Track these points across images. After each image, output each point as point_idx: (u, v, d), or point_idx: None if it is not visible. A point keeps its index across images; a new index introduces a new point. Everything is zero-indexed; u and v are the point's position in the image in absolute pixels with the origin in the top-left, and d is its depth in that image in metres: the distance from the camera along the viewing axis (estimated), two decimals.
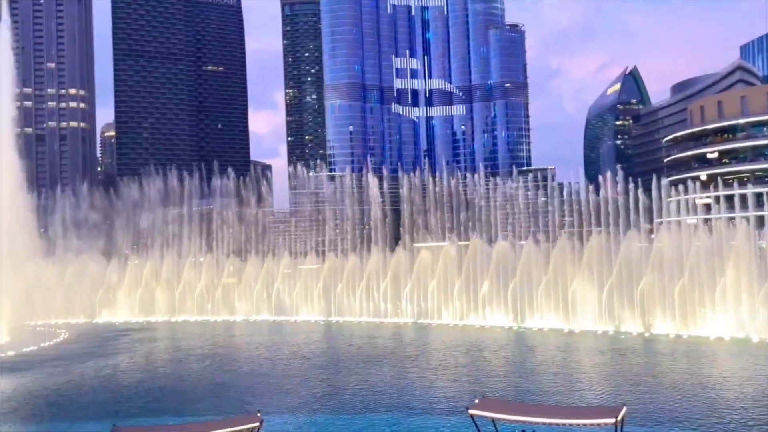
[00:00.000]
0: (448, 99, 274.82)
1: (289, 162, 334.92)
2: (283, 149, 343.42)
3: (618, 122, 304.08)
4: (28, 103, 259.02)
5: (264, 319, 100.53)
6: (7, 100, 77.84)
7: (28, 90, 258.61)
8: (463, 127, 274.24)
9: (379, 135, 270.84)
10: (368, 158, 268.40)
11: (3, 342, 70.23)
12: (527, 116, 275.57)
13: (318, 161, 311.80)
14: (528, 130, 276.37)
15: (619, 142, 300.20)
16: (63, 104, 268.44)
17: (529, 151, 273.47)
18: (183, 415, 40.08)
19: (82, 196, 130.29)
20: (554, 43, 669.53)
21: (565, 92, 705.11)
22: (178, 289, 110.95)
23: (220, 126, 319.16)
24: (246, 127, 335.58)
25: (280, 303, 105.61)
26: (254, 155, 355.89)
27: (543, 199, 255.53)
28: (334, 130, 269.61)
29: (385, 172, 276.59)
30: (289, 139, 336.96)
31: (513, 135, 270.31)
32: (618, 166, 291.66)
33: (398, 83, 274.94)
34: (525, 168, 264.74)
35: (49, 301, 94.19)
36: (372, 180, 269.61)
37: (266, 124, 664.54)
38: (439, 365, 56.38)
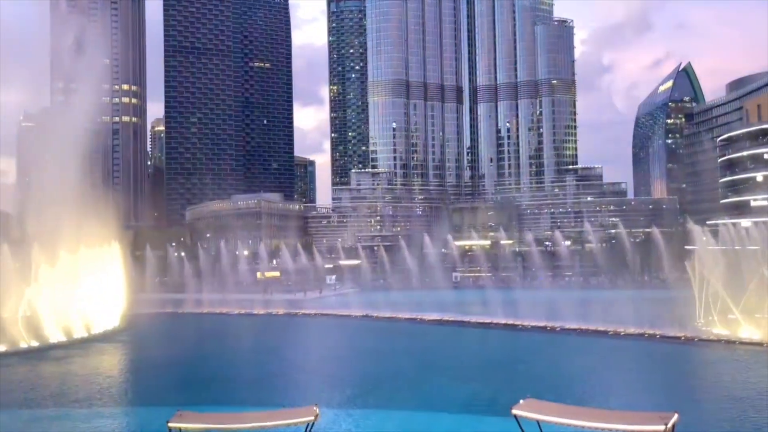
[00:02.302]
0: (494, 95, 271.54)
1: (332, 158, 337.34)
2: (328, 145, 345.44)
3: (669, 120, 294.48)
4: (82, 98, 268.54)
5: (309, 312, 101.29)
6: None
7: (83, 85, 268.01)
8: (508, 124, 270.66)
9: (422, 132, 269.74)
10: (411, 155, 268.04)
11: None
12: (574, 113, 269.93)
13: (360, 158, 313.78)
14: (575, 127, 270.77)
15: (670, 141, 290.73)
16: (116, 99, 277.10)
17: (575, 149, 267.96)
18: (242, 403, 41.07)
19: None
20: (607, 37, 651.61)
21: (615, 89, 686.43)
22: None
23: (265, 122, 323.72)
24: (291, 122, 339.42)
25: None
26: (298, 151, 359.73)
27: (589, 198, 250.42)
28: (376, 126, 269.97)
29: (428, 170, 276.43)
30: (333, 135, 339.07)
31: (559, 133, 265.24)
32: (669, 166, 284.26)
33: (442, 79, 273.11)
34: (570, 167, 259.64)
35: None
36: (415, 177, 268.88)
37: (311, 120, 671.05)
38: None
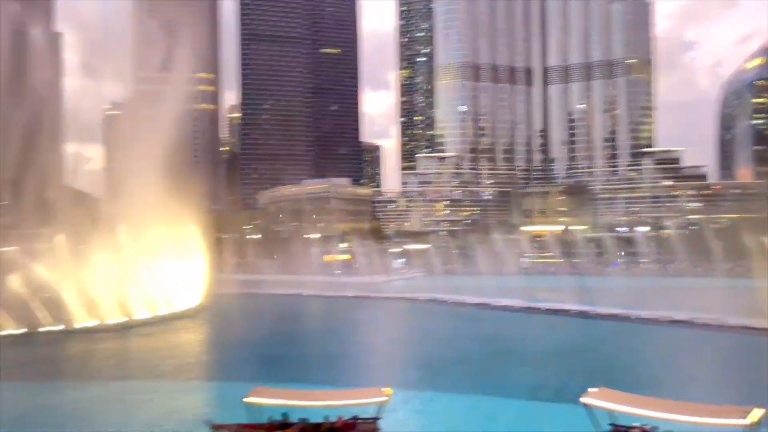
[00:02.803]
0: (566, 77, 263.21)
1: (400, 143, 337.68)
2: (395, 130, 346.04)
3: (757, 100, 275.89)
4: (162, 87, 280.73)
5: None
6: None
7: (162, 74, 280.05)
8: (580, 106, 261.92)
9: (491, 115, 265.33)
10: (479, 139, 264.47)
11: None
12: (651, 94, 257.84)
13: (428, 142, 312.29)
14: (651, 109, 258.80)
15: (757, 121, 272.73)
16: (193, 87, 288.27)
17: (651, 131, 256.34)
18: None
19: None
20: (691, 12, 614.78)
21: (699, 66, 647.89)
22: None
23: (334, 107, 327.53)
24: (359, 108, 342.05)
25: None
26: (366, 136, 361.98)
27: (667, 182, 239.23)
28: (444, 110, 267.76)
29: (497, 154, 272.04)
30: (401, 119, 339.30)
31: (635, 114, 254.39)
32: (756, 149, 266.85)
33: (512, 61, 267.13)
34: (647, 149, 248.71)
35: None
36: (483, 161, 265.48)
37: (380, 105, 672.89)
38: None
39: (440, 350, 57.02)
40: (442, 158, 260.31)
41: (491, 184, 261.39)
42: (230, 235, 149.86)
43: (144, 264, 75.78)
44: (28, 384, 45.96)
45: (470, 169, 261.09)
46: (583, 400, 24.97)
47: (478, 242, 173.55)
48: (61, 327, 66.78)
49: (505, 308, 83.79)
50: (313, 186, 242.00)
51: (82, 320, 68.52)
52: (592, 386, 27.80)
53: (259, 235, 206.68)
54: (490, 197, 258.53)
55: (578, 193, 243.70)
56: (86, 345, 60.63)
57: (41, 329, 65.83)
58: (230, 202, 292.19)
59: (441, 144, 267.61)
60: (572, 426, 31.95)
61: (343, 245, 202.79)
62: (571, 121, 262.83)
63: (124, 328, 68.00)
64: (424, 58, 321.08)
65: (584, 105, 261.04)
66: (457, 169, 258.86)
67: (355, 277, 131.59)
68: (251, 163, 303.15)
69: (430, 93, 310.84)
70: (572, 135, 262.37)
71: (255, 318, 77.05)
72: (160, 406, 38.98)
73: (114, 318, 70.91)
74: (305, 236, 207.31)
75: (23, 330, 64.96)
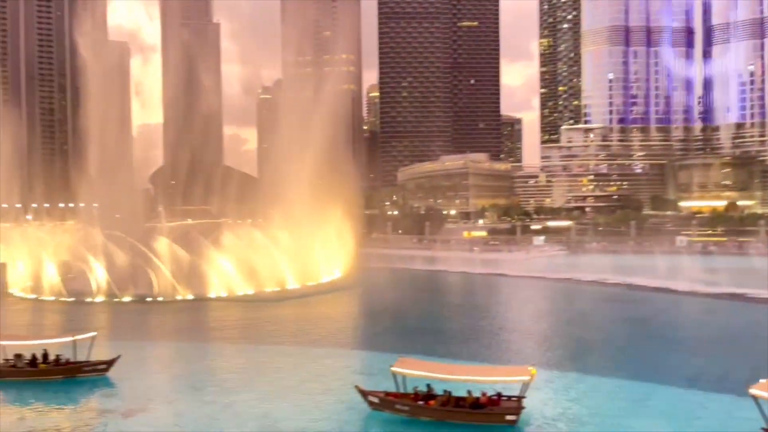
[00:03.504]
0: (731, 35, 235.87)
1: (541, 115, 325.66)
2: (537, 101, 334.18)
3: None
4: (308, 70, 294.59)
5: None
6: None
7: (308, 58, 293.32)
8: (750, 67, 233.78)
9: (644, 82, 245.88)
10: (630, 108, 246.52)
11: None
12: None
13: (572, 113, 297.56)
14: None
15: None
16: (336, 69, 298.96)
17: None
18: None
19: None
20: None
21: None
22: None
23: (472, 81, 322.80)
24: (498, 81, 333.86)
25: None
26: (506, 109, 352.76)
27: None
28: (591, 78, 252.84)
29: (650, 123, 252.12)
30: (542, 90, 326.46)
31: None
32: None
33: (669, 21, 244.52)
34: None
35: None
36: (634, 132, 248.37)
37: (519, 77, 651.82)
38: None
39: (584, 331, 55.11)
40: (587, 130, 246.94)
41: (643, 156, 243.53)
42: (370, 211, 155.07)
43: (296, 238, 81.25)
44: (197, 344, 51.68)
45: (619, 140, 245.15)
46: (751, 391, 22.97)
47: (627, 219, 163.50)
48: (224, 294, 74.01)
49: (657, 289, 78.34)
50: (451, 162, 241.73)
51: (242, 289, 75.43)
52: (764, 377, 25.48)
53: (397, 212, 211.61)
54: (642, 170, 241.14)
55: (746, 165, 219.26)
56: (245, 312, 66.62)
57: (209, 296, 73.48)
58: (370, 179, 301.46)
59: (586, 115, 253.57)
60: (734, 418, 29.53)
61: (481, 221, 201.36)
62: (740, 84, 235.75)
63: (279, 298, 73.58)
64: (569, 25, 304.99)
65: (753, 66, 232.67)
66: (605, 141, 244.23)
67: (494, 253, 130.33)
68: (390, 140, 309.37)
69: (574, 61, 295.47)
70: (741, 100, 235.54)
71: (396, 291, 79.48)
72: (310, 371, 41.93)
73: (270, 288, 77.04)
74: (443, 212, 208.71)
75: (192, 297, 72.88)
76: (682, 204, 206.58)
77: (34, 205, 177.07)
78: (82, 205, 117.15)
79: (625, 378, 39.08)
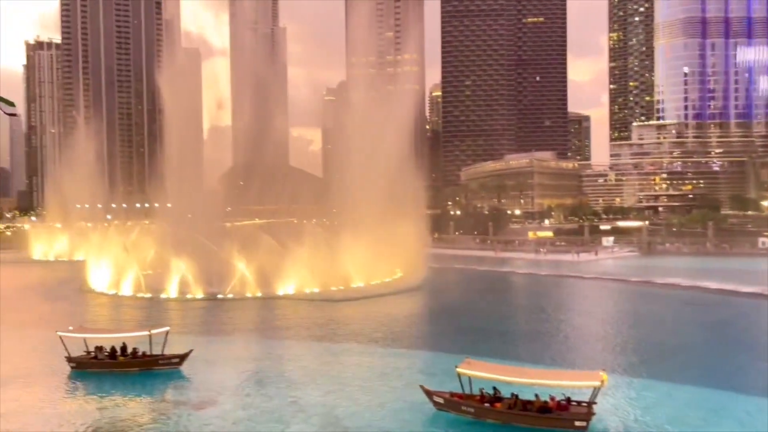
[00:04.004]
0: None
1: (611, 111, 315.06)
2: (605, 98, 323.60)
3: None
4: (372, 71, 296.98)
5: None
6: None
7: (372, 59, 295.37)
8: None
9: (722, 75, 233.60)
10: (707, 103, 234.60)
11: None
12: None
13: (644, 109, 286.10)
14: None
15: None
16: (399, 69, 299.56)
17: None
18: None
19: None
20: None
21: None
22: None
23: (538, 78, 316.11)
24: (564, 77, 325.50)
25: None
26: (573, 106, 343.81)
27: None
28: (664, 73, 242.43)
29: (729, 119, 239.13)
30: (612, 86, 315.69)
31: None
32: None
33: (750, 11, 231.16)
34: None
35: None
36: (712, 128, 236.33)
37: (587, 73, 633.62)
38: None
39: (657, 336, 52.82)
40: (661, 126, 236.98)
41: (721, 153, 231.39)
42: (432, 211, 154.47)
43: (361, 237, 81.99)
44: (265, 341, 52.97)
45: (695, 137, 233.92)
46: None
47: (705, 219, 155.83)
48: (291, 292, 75.57)
49: (736, 293, 74.24)
50: (516, 161, 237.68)
51: (309, 287, 76.79)
52: None
53: (459, 212, 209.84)
54: (719, 168, 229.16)
55: None
56: (312, 310, 67.78)
57: (277, 294, 75.25)
58: (433, 179, 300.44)
59: (659, 111, 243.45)
60: None
61: (547, 222, 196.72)
62: None
63: (344, 297, 74.43)
64: (640, 17, 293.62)
65: None
66: (679, 137, 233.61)
67: (561, 255, 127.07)
68: (453, 140, 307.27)
69: (646, 55, 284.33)
70: None
71: (461, 292, 78.85)
72: (374, 369, 42.16)
73: (335, 287, 78.09)
74: (507, 212, 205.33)
75: (261, 294, 74.82)
76: (765, 203, 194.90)
77: (114, 206, 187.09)
78: (156, 205, 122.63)
79: (703, 386, 37.27)
